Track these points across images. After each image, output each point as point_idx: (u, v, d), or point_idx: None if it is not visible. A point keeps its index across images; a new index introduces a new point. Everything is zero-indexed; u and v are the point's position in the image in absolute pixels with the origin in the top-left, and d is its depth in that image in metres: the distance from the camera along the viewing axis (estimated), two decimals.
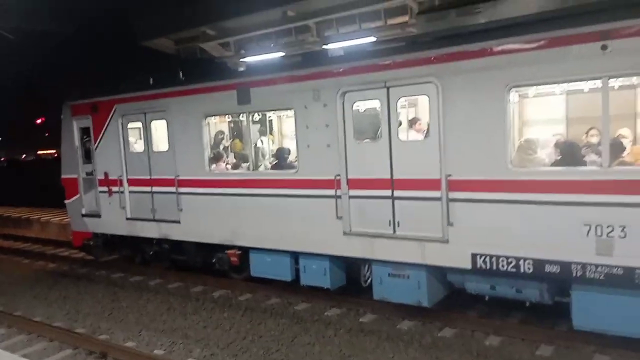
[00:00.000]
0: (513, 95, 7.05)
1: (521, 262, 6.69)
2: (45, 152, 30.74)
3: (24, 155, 32.61)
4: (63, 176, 12.91)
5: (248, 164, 9.83)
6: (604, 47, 6.00)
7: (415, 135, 8.28)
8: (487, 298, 7.60)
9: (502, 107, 6.73)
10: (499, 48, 6.72)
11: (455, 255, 7.22)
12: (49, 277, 12.67)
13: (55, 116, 14.32)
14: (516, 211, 6.68)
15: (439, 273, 7.80)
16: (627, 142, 6.87)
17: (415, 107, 9.10)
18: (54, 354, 7.96)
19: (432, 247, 7.42)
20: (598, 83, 6.22)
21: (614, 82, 6.27)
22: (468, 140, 7.02)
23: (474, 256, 7.04)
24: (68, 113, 12.62)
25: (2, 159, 33.38)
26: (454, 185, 7.16)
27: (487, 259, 6.93)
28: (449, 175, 7.18)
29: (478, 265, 7.03)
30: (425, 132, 8.01)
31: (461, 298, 8.20)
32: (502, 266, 6.84)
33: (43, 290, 11.46)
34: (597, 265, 6.19)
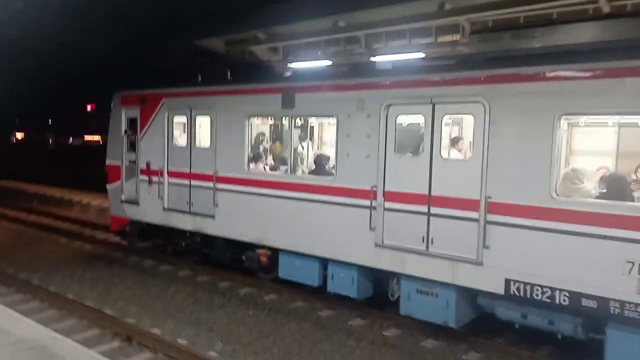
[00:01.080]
0: (563, 123, 6.92)
1: (557, 293, 6.53)
2: (91, 138, 31.78)
3: (70, 140, 33.87)
4: (107, 162, 13.33)
5: (286, 167, 9.93)
6: None
7: (457, 154, 8.21)
8: (517, 326, 7.42)
9: (550, 134, 6.62)
10: (553, 74, 6.63)
11: (488, 279, 7.10)
12: (84, 258, 13.08)
13: (104, 104, 14.83)
14: (557, 241, 6.52)
15: (469, 295, 7.67)
16: None
17: (460, 125, 9.02)
18: (82, 331, 8.20)
19: (464, 268, 7.32)
20: None
21: None
22: (512, 163, 6.92)
23: (507, 282, 6.91)
24: (117, 102, 13.05)
25: (50, 141, 34.79)
26: (493, 208, 7.05)
27: (521, 286, 6.78)
28: (489, 197, 7.08)
29: (511, 292, 6.88)
30: (467, 151, 7.93)
31: (490, 323, 8.04)
32: (537, 295, 6.68)
33: (77, 270, 11.83)
34: (637, 305, 5.98)
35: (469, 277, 7.30)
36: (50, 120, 34.29)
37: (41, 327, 6.91)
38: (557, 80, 6.58)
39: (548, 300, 6.61)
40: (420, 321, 8.11)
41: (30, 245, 14.43)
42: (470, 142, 7.65)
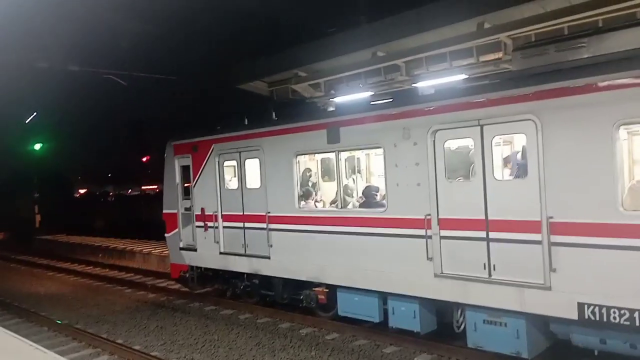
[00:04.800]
0: (622, 133, 6.56)
1: (636, 314, 6.06)
2: (149, 187, 33.31)
3: (129, 190, 35.56)
4: (164, 211, 13.74)
5: (336, 202, 9.89)
6: None
7: (511, 175, 7.92)
8: (596, 352, 6.92)
9: (610, 145, 6.29)
10: (606, 83, 6.34)
11: (559, 304, 6.70)
12: (148, 307, 13.37)
13: (158, 155, 15.42)
14: (629, 258, 6.10)
15: (540, 322, 7.26)
16: None
17: (511, 144, 8.74)
18: None
19: (532, 294, 6.94)
20: None
21: None
22: (572, 180, 6.60)
23: (580, 305, 6.49)
24: (170, 152, 13.52)
25: (111, 193, 36.59)
26: (556, 228, 6.71)
27: (597, 310, 6.35)
28: (551, 218, 6.75)
29: (586, 316, 6.45)
30: (520, 171, 7.64)
31: (566, 350, 7.53)
32: (614, 318, 6.22)
33: (142, 320, 12.09)
34: None
35: (537, 304, 6.91)
36: (109, 174, 36.19)
37: None
38: (611, 90, 6.29)
39: (627, 323, 6.14)
40: (490, 353, 7.70)
41: (97, 297, 14.93)
42: (523, 161, 7.36)
